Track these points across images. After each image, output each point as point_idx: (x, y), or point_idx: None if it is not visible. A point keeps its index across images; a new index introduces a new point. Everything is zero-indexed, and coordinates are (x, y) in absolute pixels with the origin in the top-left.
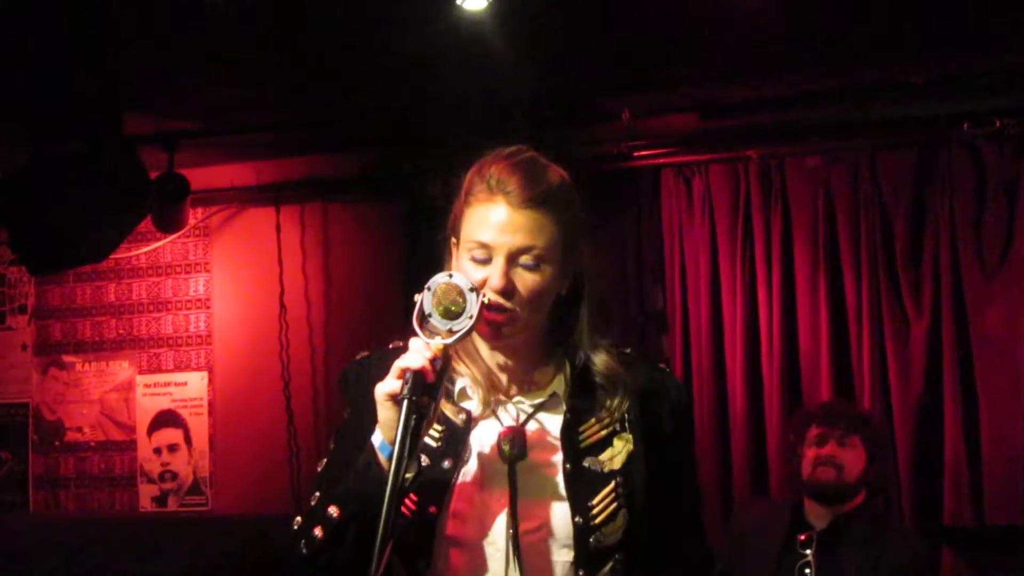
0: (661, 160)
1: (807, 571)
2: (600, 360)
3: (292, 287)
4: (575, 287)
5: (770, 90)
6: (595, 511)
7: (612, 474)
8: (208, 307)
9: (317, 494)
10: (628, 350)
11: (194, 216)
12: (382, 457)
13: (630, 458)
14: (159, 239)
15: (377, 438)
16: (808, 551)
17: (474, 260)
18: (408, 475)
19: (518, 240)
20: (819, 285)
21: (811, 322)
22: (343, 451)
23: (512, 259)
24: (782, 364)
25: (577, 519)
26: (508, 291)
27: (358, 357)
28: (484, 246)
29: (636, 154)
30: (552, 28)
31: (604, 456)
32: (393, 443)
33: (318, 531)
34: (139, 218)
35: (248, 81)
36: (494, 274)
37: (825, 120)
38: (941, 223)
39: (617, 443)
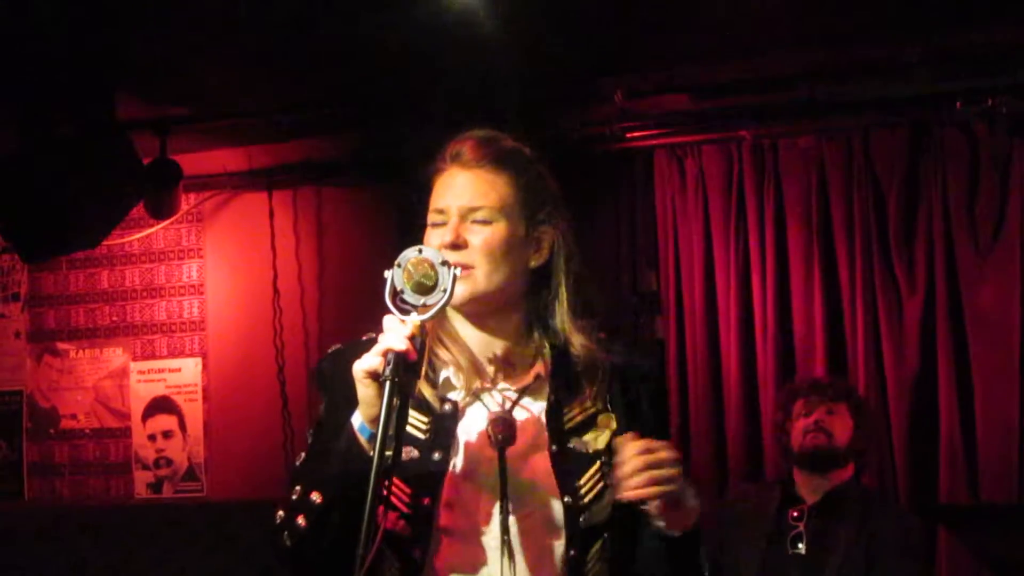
0: (653, 141)
1: (799, 544)
2: (579, 342)
3: (286, 272)
4: (551, 264)
5: (762, 70)
6: (583, 491)
7: (597, 454)
8: (202, 293)
9: (298, 487)
10: (602, 335)
11: (187, 202)
12: (362, 438)
13: (614, 437)
14: (152, 225)
15: (356, 419)
16: (800, 524)
17: (433, 226)
18: (389, 453)
19: (466, 198)
20: (813, 264)
21: (805, 301)
22: (322, 443)
23: (464, 216)
24: (776, 344)
25: (566, 499)
26: (459, 244)
27: (330, 350)
28: (440, 211)
29: (629, 135)
30: (543, 9)
31: (588, 437)
32: (373, 423)
33: (301, 520)
34: (131, 204)
35: (240, 66)
36: (446, 232)
37: (818, 99)
38: (934, 201)
39: (600, 423)
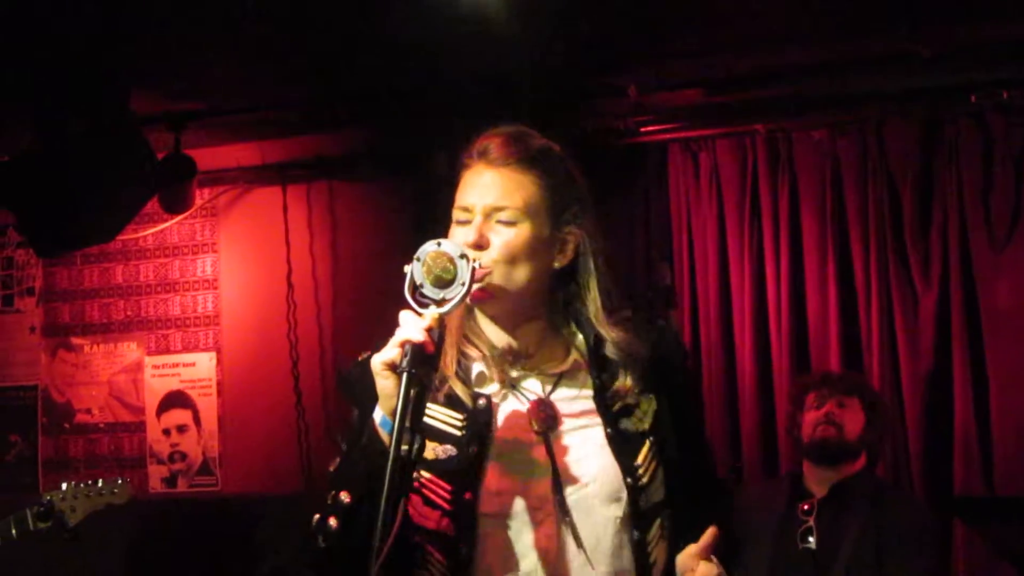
0: (668, 136)
1: (809, 538)
2: (614, 335)
3: (299, 267)
4: (577, 263)
5: (776, 63)
6: (640, 471)
7: (645, 434)
8: (216, 288)
9: (332, 492)
10: (628, 313)
11: (201, 196)
12: (383, 432)
13: (656, 417)
14: (166, 220)
15: (378, 414)
16: (809, 518)
17: (458, 223)
18: (407, 447)
19: (492, 197)
20: (827, 258)
21: (819, 295)
22: (354, 448)
23: (488, 216)
24: (791, 337)
25: (628, 480)
26: (482, 245)
27: (359, 358)
28: (465, 209)
29: (643, 130)
30: (557, 4)
31: (635, 418)
32: (393, 415)
33: (333, 521)
34: (146, 199)
35: (253, 60)
36: (470, 231)
37: (832, 92)
38: (949, 195)
39: (643, 404)
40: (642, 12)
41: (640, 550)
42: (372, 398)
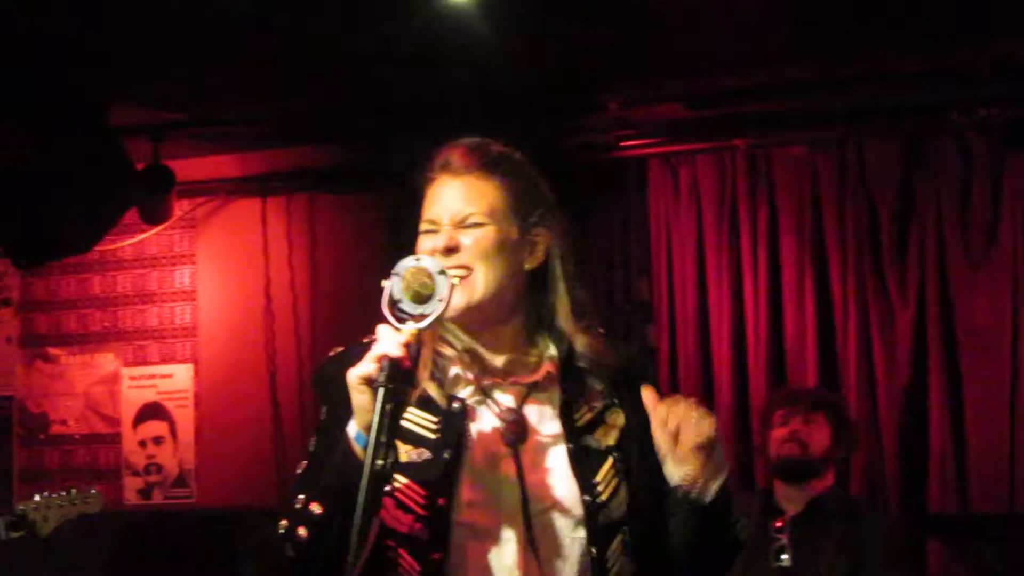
0: (648, 150)
1: (783, 556)
2: (584, 342)
3: (278, 279)
4: (548, 267)
5: (757, 80)
6: (599, 488)
7: (609, 450)
8: (194, 299)
9: (301, 496)
10: (601, 330)
11: (180, 208)
12: (357, 447)
13: (623, 433)
14: (144, 231)
15: (352, 428)
16: (782, 535)
17: (425, 234)
18: (382, 462)
19: (457, 204)
20: (805, 275)
21: (797, 312)
22: (323, 451)
23: (456, 225)
24: (768, 354)
25: (586, 497)
26: (453, 248)
27: (332, 353)
28: (432, 222)
29: (623, 144)
30: (538, 19)
31: (599, 434)
32: (366, 430)
33: (302, 531)
34: (124, 210)
35: (234, 72)
36: (439, 237)
37: (812, 109)
38: (927, 212)
39: (609, 420)
40: (623, 27)
41: (598, 567)
42: (342, 397)
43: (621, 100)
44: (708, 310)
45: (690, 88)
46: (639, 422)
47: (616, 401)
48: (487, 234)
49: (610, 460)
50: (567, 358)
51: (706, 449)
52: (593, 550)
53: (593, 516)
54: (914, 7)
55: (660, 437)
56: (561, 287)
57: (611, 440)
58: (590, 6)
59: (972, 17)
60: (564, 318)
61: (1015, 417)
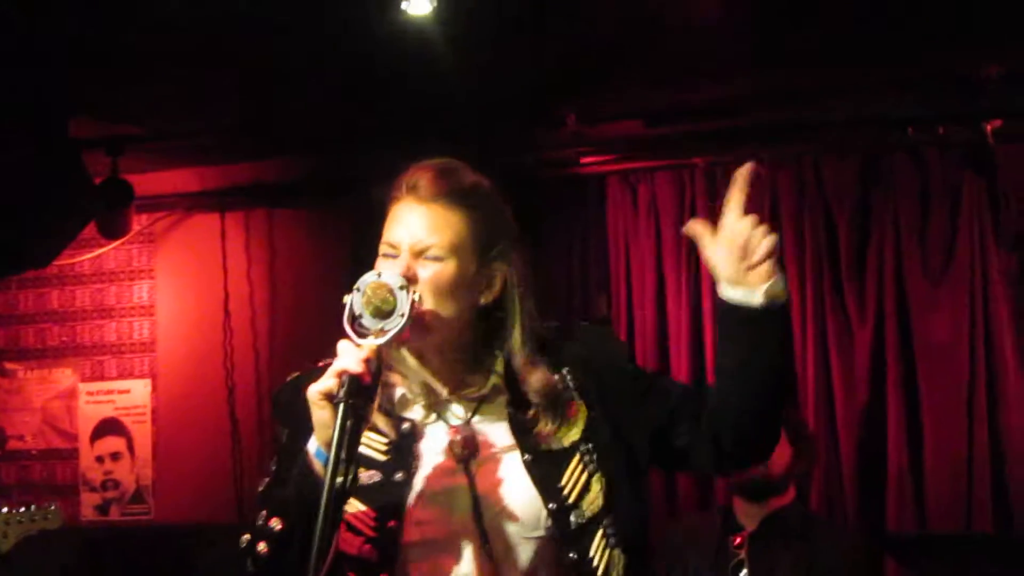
0: (607, 168)
1: (742, 572)
2: (534, 379)
3: (237, 294)
4: (503, 300)
5: (715, 96)
6: (566, 490)
7: (573, 446)
8: (152, 314)
9: (262, 513)
10: (555, 324)
11: (139, 222)
12: (318, 463)
13: (589, 423)
14: (103, 245)
15: (312, 445)
16: (741, 552)
17: (384, 257)
18: (342, 479)
19: (420, 234)
20: None
21: None
22: (285, 468)
23: (416, 253)
24: None
25: (551, 505)
26: (409, 279)
27: (289, 378)
28: (392, 245)
29: (583, 161)
30: (497, 34)
31: (559, 433)
32: (329, 446)
33: (262, 546)
34: (83, 224)
35: (194, 86)
36: (397, 266)
37: (770, 125)
38: (885, 229)
39: (568, 413)
40: (583, 43)
41: (581, 569)
42: (302, 419)
43: (581, 117)
44: (667, 327)
45: (649, 105)
46: (607, 408)
47: (578, 392)
48: (445, 270)
49: (576, 456)
50: (513, 372)
51: (774, 257)
52: (572, 555)
53: (564, 522)
54: (873, 24)
55: (722, 256)
56: (516, 322)
57: (575, 435)
58: (548, 21)
59: (931, 35)
60: (516, 349)
61: (972, 435)
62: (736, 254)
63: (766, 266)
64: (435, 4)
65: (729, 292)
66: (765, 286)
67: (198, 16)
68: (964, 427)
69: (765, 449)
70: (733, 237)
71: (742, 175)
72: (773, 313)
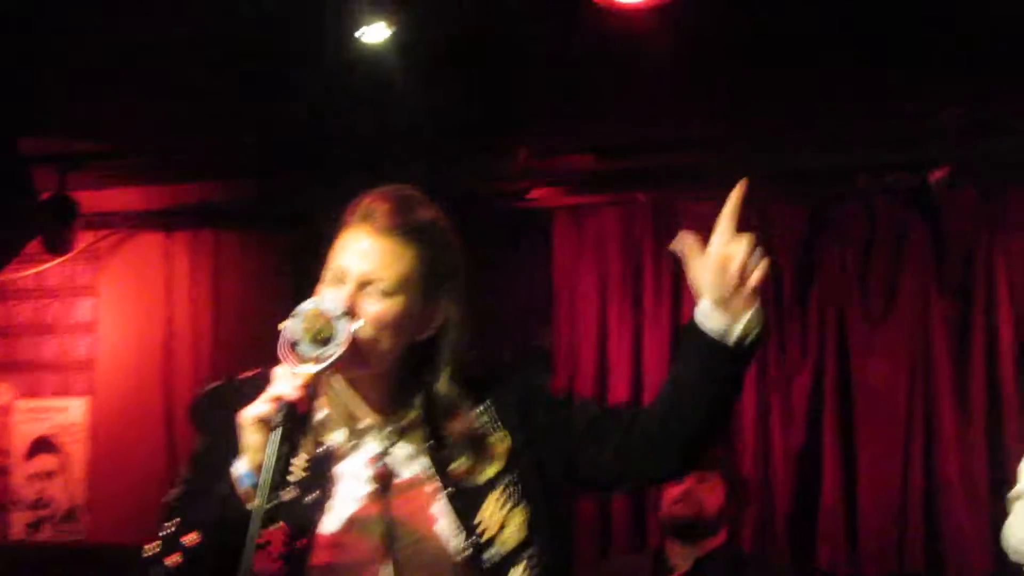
0: (555, 202)
1: None
2: (457, 421)
3: (180, 314)
4: (439, 335)
5: (666, 135)
6: (480, 527)
7: (492, 481)
8: (93, 332)
9: (174, 523)
10: (482, 353)
11: (83, 239)
12: (244, 485)
13: (511, 454)
14: (46, 261)
15: (241, 466)
16: None
17: (329, 283)
18: (270, 505)
19: (369, 265)
20: None
21: None
22: (201, 479)
23: (362, 284)
24: None
25: (466, 542)
26: (350, 310)
27: (208, 387)
28: (340, 271)
29: (529, 196)
30: (450, 65)
31: (477, 470)
32: (259, 470)
33: (176, 558)
34: (28, 239)
35: (144, 105)
36: (341, 296)
37: (719, 167)
38: (830, 272)
39: (490, 446)
40: (533, 77)
41: None
42: (219, 432)
43: (531, 150)
44: (608, 363)
45: (598, 141)
46: (530, 437)
47: (500, 424)
48: (392, 305)
49: (495, 493)
50: (434, 405)
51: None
52: None
53: (476, 559)
54: (827, 71)
55: (708, 275)
56: (447, 357)
57: (496, 468)
58: (501, 54)
59: (877, 82)
60: (442, 386)
61: (908, 478)
62: (724, 275)
63: (752, 291)
64: (391, 33)
65: (708, 316)
66: (746, 317)
67: (153, 38)
68: (899, 470)
69: (681, 470)
70: (725, 257)
71: (735, 194)
72: (744, 350)
